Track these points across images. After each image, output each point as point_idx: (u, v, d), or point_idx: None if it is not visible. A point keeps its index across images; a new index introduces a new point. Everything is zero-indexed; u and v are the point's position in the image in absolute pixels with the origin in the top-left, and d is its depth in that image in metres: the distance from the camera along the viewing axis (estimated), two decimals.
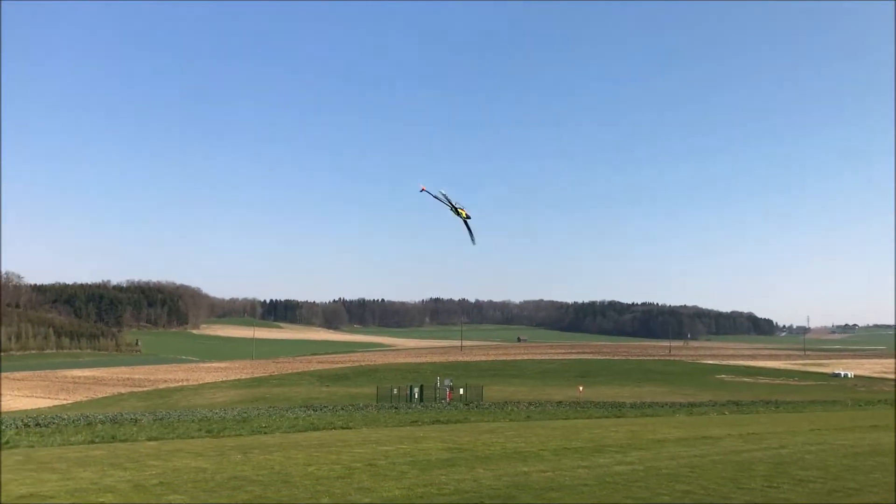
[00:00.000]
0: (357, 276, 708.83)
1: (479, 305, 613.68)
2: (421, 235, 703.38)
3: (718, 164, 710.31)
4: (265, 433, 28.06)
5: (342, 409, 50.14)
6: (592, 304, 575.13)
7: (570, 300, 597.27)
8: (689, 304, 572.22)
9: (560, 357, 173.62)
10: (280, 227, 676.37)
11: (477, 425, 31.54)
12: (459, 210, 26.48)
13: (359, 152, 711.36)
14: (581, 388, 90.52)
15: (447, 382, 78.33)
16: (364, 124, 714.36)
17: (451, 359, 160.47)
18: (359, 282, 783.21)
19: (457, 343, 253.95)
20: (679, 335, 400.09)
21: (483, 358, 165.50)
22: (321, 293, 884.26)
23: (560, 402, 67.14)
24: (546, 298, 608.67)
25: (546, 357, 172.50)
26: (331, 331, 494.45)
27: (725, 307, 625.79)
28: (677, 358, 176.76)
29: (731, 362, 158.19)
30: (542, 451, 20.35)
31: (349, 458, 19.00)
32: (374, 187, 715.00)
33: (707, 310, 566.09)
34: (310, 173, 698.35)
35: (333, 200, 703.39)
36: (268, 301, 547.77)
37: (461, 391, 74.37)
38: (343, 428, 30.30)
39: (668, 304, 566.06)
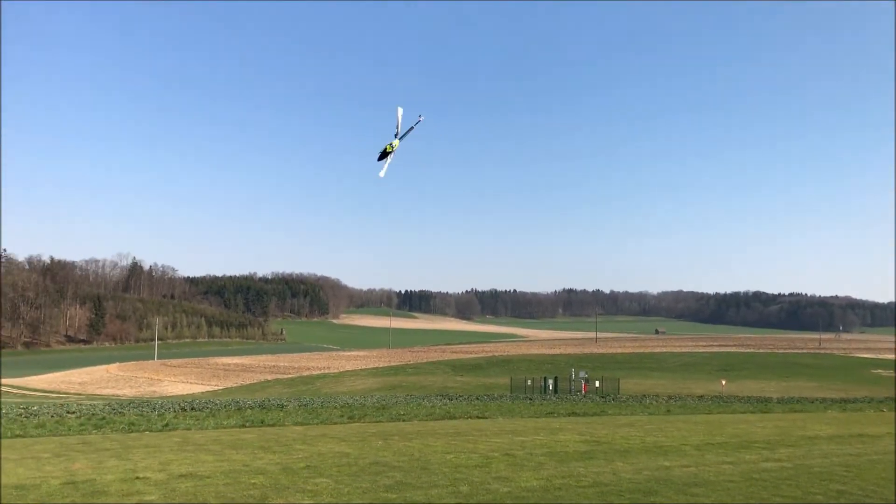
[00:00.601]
0: (489, 266, 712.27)
1: (614, 297, 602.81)
2: (553, 225, 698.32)
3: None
4: (403, 420, 28.66)
5: (477, 398, 50.52)
6: (736, 294, 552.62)
7: (711, 291, 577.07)
8: (842, 294, 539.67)
9: (701, 350, 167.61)
10: (413, 220, 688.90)
11: (614, 418, 30.96)
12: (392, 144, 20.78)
13: (482, 147, 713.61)
14: (724, 382, 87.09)
15: (582, 374, 77.36)
16: (491, 122, 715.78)
17: (586, 350, 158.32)
18: (491, 272, 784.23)
19: (591, 335, 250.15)
20: (830, 327, 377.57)
21: (619, 350, 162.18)
22: (454, 284, 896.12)
23: (701, 396, 64.85)
24: (685, 289, 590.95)
25: (686, 349, 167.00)
26: (463, 321, 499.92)
27: (883, 298, 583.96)
28: (828, 351, 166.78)
29: (889, 356, 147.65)
30: (684, 446, 19.73)
31: (486, 447, 19.10)
32: (507, 180, 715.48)
33: (861, 300, 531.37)
34: (439, 168, 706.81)
35: (466, 194, 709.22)
36: (403, 292, 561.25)
37: (597, 383, 73.27)
38: (479, 417, 30.51)
39: (817, 295, 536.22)
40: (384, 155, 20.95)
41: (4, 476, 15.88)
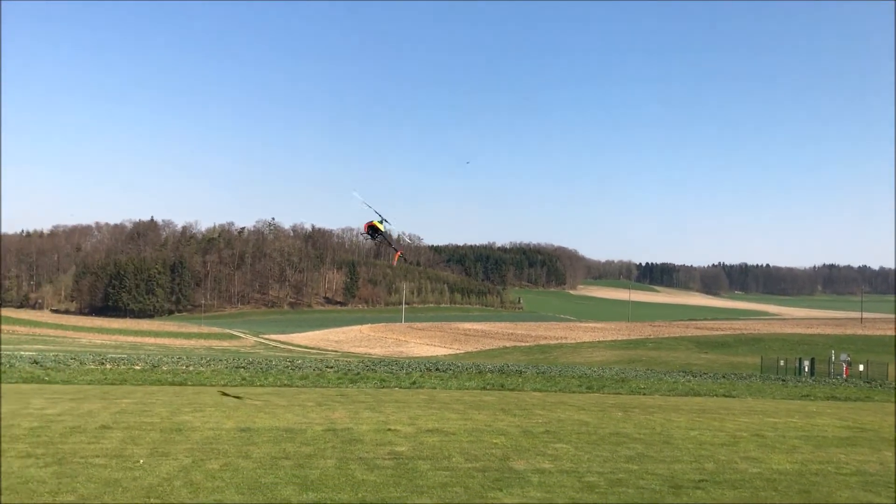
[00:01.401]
0: (738, 239, 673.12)
1: (883, 273, 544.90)
2: (808, 194, 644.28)
3: None
4: (644, 394, 28.04)
5: (723, 377, 48.14)
6: None
7: None
8: None
9: None
10: (652, 192, 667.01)
11: (882, 405, 28.11)
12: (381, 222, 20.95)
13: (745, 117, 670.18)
14: None
15: (844, 357, 70.99)
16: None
17: (849, 331, 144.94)
18: (740, 245, 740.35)
19: (855, 314, 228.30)
20: None
21: (888, 332, 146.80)
22: (699, 257, 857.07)
23: None
24: None
25: None
26: (709, 296, 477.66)
27: None
28: None
29: None
30: None
31: (733, 426, 18.17)
32: (767, 146, 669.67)
33: None
34: (693, 137, 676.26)
35: (715, 163, 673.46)
36: (643, 264, 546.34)
37: (860, 367, 66.91)
38: (725, 396, 29.09)
39: None
40: (373, 231, 20.97)
41: (277, 420, 17.68)
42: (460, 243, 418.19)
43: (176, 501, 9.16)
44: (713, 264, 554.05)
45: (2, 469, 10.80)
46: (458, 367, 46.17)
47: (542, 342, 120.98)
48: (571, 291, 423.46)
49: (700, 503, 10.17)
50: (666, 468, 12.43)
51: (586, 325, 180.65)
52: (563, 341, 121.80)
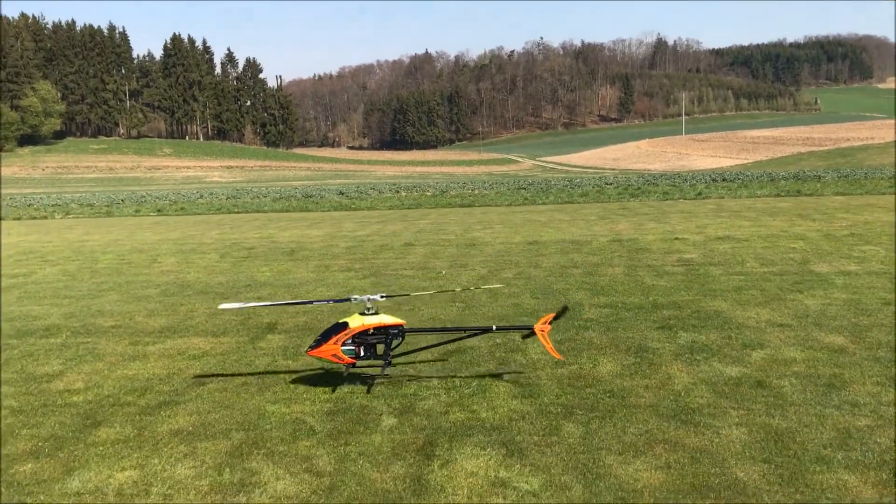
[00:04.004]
0: None
1: None
2: None
3: None
4: None
5: None
6: None
7: None
8: None
9: None
10: None
11: None
12: None
13: None
14: None
15: None
16: None
17: None
18: None
19: None
20: None
21: None
22: None
23: None
24: None
25: None
26: None
27: None
28: None
29: None
30: None
31: None
32: None
33: None
34: None
35: None
36: None
37: None
38: None
39: None
40: None
41: (562, 233, 18.19)
42: (745, 43, 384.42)
43: (477, 304, 9.89)
44: None
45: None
46: (748, 175, 43.75)
47: (844, 145, 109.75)
48: (880, 85, 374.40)
49: None
50: None
51: None
52: (870, 142, 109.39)
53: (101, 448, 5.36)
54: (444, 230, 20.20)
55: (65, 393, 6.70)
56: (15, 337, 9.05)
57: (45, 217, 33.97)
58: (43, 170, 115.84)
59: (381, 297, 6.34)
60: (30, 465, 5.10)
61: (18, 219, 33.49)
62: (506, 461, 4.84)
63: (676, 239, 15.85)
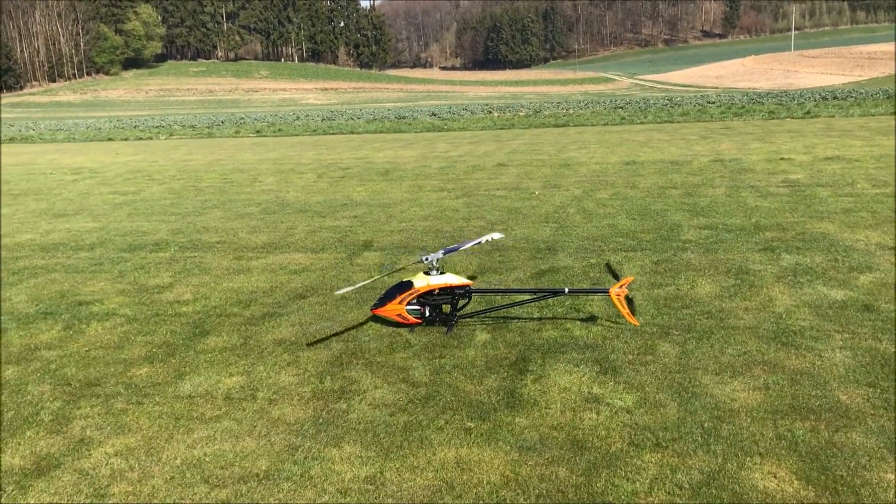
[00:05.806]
0: None
1: None
2: None
3: None
4: None
5: None
6: None
7: None
8: None
9: None
10: None
11: None
12: None
13: None
14: None
15: None
16: None
17: None
18: None
19: None
20: None
21: None
22: None
23: None
24: None
25: None
26: None
27: None
28: None
29: None
30: None
31: None
32: None
33: None
34: None
35: None
36: None
37: None
38: None
39: None
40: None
41: (661, 153, 17.67)
42: None
43: (571, 225, 9.81)
44: None
45: None
46: (862, 93, 41.23)
47: None
48: None
49: None
50: None
51: None
52: None
53: (209, 355, 5.67)
54: (537, 150, 19.96)
55: (175, 304, 7.07)
56: (127, 251, 9.56)
57: (151, 138, 35.32)
58: (147, 93, 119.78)
59: (443, 253, 6.17)
60: (145, 370, 5.44)
61: (125, 140, 34.92)
62: (599, 378, 4.86)
63: (782, 159, 15.20)
